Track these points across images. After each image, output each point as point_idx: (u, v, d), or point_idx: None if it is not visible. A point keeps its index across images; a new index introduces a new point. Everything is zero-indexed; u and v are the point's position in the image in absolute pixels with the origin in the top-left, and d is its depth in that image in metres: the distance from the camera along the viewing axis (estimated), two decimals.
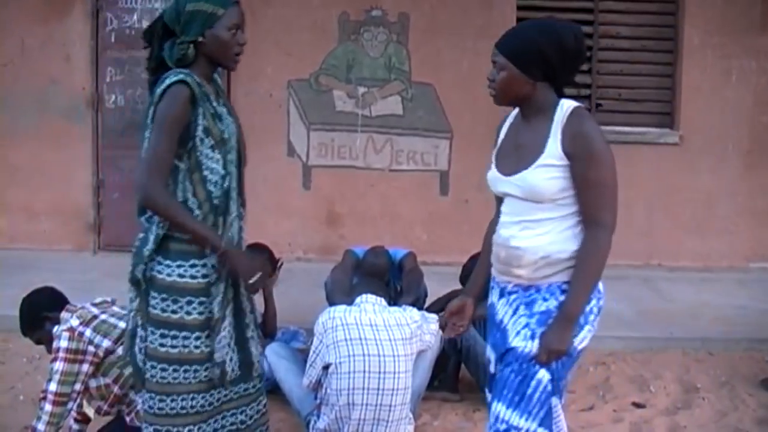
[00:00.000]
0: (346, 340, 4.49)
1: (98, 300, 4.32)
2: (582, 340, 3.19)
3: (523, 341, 3.14)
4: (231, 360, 3.56)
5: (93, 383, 4.07)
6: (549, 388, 3.13)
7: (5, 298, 6.20)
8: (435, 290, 5.97)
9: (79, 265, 8.43)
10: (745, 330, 6.80)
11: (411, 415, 4.71)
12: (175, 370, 3.46)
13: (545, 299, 3.16)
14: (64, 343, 3.99)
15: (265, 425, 3.79)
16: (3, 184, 9.05)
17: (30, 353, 5.87)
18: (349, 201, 8.93)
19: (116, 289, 6.91)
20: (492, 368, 3.35)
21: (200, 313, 3.46)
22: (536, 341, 3.10)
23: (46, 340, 4.23)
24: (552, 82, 3.21)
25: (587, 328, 3.19)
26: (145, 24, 8.77)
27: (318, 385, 4.61)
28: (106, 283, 7.55)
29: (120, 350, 4.02)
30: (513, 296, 3.25)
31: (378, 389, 4.43)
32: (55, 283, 4.57)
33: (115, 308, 4.27)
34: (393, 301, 5.36)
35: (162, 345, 3.44)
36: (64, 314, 4.13)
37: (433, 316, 4.96)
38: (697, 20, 8.82)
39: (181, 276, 3.45)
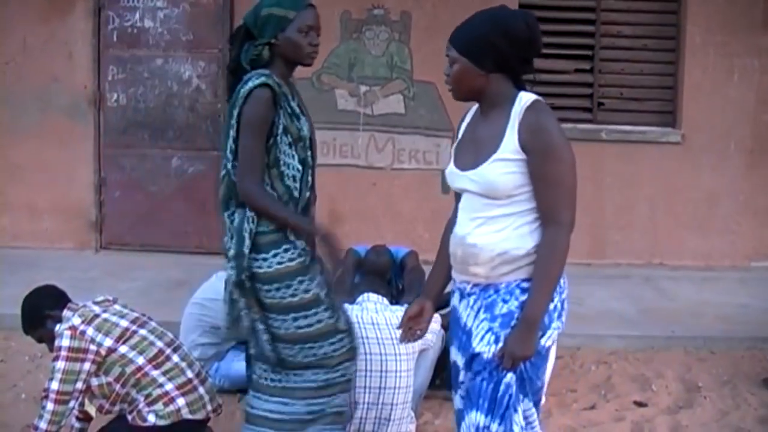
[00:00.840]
0: None
1: (100, 298, 4.32)
2: (548, 338, 3.15)
3: (487, 346, 3.09)
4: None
5: (95, 382, 4.07)
6: (514, 389, 3.10)
7: (7, 296, 6.20)
8: None
9: (81, 264, 8.43)
10: (747, 329, 6.80)
11: (413, 414, 4.72)
12: (321, 346, 3.84)
13: (505, 300, 3.11)
14: (65, 342, 3.99)
15: None
16: (5, 183, 9.05)
17: (32, 351, 5.87)
18: (351, 200, 8.93)
19: (117, 288, 6.98)
20: (462, 376, 3.29)
21: (316, 288, 3.82)
22: (500, 345, 3.06)
23: (47, 338, 4.23)
24: (507, 72, 3.15)
25: (554, 325, 3.15)
26: (147, 23, 8.89)
27: None
28: (108, 282, 7.59)
29: (121, 349, 4.04)
30: (472, 298, 3.19)
31: (380, 388, 4.43)
32: (56, 281, 4.57)
33: (117, 306, 4.27)
34: (395, 300, 5.37)
35: (299, 327, 3.79)
36: (65, 313, 4.13)
37: (436, 315, 4.96)
38: (699, 19, 8.81)
39: (279, 263, 3.75)
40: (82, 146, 9.01)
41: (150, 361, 4.09)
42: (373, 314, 4.63)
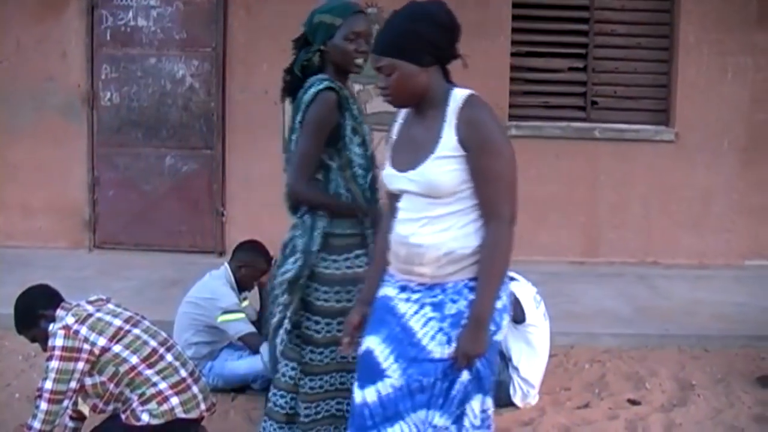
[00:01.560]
0: None
1: (93, 298, 4.31)
2: (502, 333, 3.16)
3: (439, 346, 3.05)
4: None
5: (88, 381, 4.06)
6: (469, 387, 3.09)
7: (1, 295, 6.19)
8: None
9: (75, 263, 8.43)
10: (741, 327, 6.80)
11: None
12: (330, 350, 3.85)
13: (454, 300, 3.06)
14: (59, 341, 3.98)
15: None
16: None
17: (25, 351, 5.86)
18: None
19: (111, 287, 6.97)
20: (387, 367, 3.14)
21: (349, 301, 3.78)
22: (453, 345, 3.04)
23: (41, 338, 4.22)
24: (442, 63, 3.13)
25: (504, 323, 3.15)
26: (140, 21, 8.88)
27: None
28: (101, 281, 7.58)
29: (114, 348, 4.03)
30: (417, 295, 3.13)
31: None
32: (50, 280, 4.56)
33: (110, 306, 4.27)
34: None
35: (339, 331, 3.69)
36: (59, 312, 4.13)
37: None
38: (693, 17, 8.82)
39: (348, 267, 3.81)
40: (76, 145, 9.00)
41: (143, 360, 4.09)
42: None
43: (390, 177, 3.19)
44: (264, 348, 5.11)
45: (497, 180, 3.02)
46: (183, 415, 4.09)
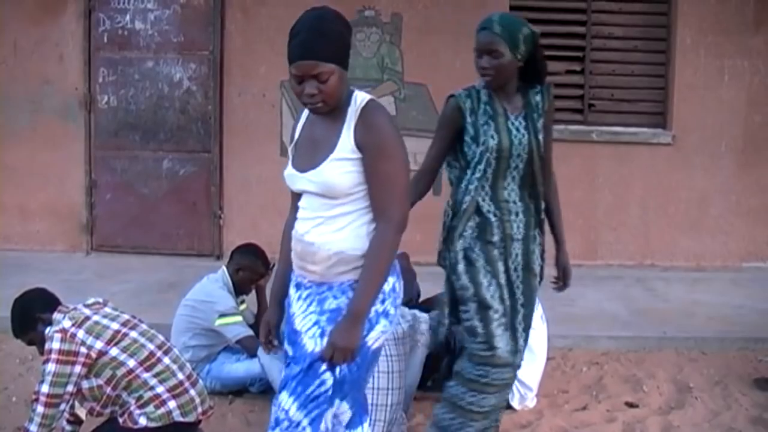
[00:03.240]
0: None
1: (90, 301, 4.30)
2: (375, 339, 3.17)
3: (311, 339, 3.11)
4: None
5: (85, 384, 4.06)
6: (330, 392, 3.11)
7: None
8: (429, 290, 5.97)
9: (72, 266, 8.42)
10: (739, 329, 6.81)
11: (404, 415, 4.71)
12: (481, 342, 4.07)
13: (336, 297, 3.15)
14: (56, 345, 3.98)
15: None
16: None
17: (23, 354, 5.86)
18: None
19: (108, 290, 6.96)
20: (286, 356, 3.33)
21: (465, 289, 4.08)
22: (325, 339, 3.08)
23: (38, 341, 4.22)
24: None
25: (380, 327, 3.17)
26: (138, 24, 8.87)
27: None
28: (99, 284, 7.58)
29: (112, 351, 4.03)
30: (307, 291, 3.23)
31: (371, 388, 4.42)
32: (47, 283, 4.56)
33: (107, 309, 4.26)
34: None
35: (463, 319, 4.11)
36: (56, 315, 4.12)
37: (425, 316, 4.96)
38: (690, 20, 8.83)
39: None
40: (74, 148, 9.00)
41: (141, 363, 4.08)
42: None
43: (291, 177, 3.26)
44: (261, 350, 5.11)
45: (389, 183, 3.07)
46: (180, 419, 4.08)
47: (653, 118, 9.10)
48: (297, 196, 3.32)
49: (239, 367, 5.38)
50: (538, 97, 4.15)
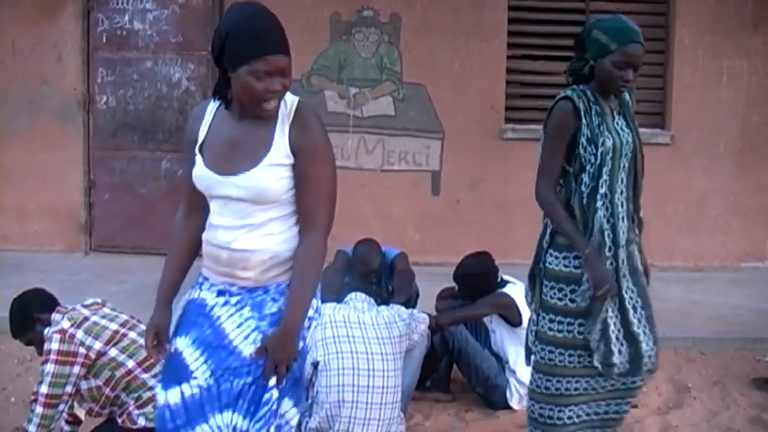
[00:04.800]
0: (333, 337, 4.51)
1: (89, 301, 4.31)
2: (305, 339, 3.13)
3: (252, 345, 3.00)
4: (620, 353, 3.88)
5: (84, 385, 4.06)
6: (275, 407, 3.02)
7: None
8: (427, 290, 5.98)
9: (70, 266, 8.42)
10: (737, 330, 6.81)
11: (402, 415, 4.71)
12: (561, 354, 3.90)
13: (275, 300, 3.05)
14: (55, 345, 3.98)
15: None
16: None
17: (21, 355, 5.86)
18: (341, 201, 8.78)
19: (107, 290, 6.96)
20: (196, 368, 3.07)
21: (582, 301, 3.83)
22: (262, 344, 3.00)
23: (36, 341, 4.22)
24: None
25: (310, 331, 3.14)
26: (136, 25, 8.88)
27: (309, 384, 4.61)
28: (97, 284, 7.58)
29: (110, 352, 4.03)
30: (236, 298, 3.07)
31: (368, 387, 4.43)
32: (46, 284, 4.56)
33: (106, 309, 4.27)
34: (385, 302, 5.36)
35: (550, 329, 3.91)
36: (54, 316, 4.12)
37: (423, 316, 4.97)
38: (688, 20, 8.84)
39: (565, 266, 3.89)
40: (72, 148, 8.99)
41: (140, 364, 4.09)
42: (360, 314, 4.64)
43: (207, 179, 3.04)
44: None
45: (320, 188, 3.00)
46: None
47: (652, 118, 9.09)
48: (196, 196, 3.16)
49: None
50: (627, 96, 4.05)
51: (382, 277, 5.92)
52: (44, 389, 3.96)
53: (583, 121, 3.84)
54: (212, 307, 3.09)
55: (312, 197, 2.99)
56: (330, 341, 4.49)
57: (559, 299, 3.89)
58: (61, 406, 4.02)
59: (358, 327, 4.56)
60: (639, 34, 3.86)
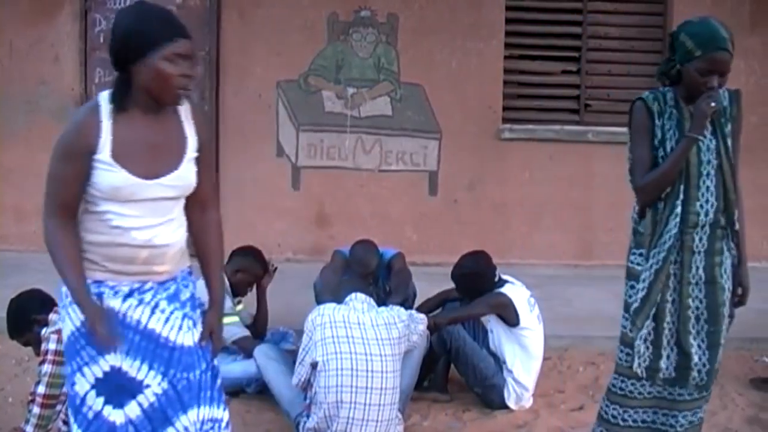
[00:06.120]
0: (333, 337, 4.50)
1: None
2: None
3: (189, 333, 3.09)
4: (668, 358, 3.90)
5: None
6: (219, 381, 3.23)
7: None
8: (424, 290, 5.98)
9: None
10: (735, 329, 6.69)
11: (400, 416, 4.71)
12: (620, 350, 4.02)
13: (185, 286, 3.19)
14: (52, 346, 3.98)
15: None
16: None
17: (19, 355, 5.85)
18: (339, 202, 8.93)
19: None
20: (145, 376, 3.03)
21: (630, 297, 4.01)
22: (199, 326, 3.16)
23: (34, 342, 4.23)
24: None
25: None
26: None
27: (307, 384, 4.61)
28: None
29: None
30: (148, 294, 3.05)
31: (366, 388, 4.43)
32: (44, 285, 4.56)
33: None
34: (382, 302, 5.36)
35: (623, 326, 4.06)
36: (52, 316, 4.12)
37: (422, 317, 4.97)
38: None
39: (631, 262, 4.14)
40: None
41: None
42: (359, 314, 4.64)
43: (132, 187, 2.94)
44: (257, 351, 5.11)
45: (212, 171, 3.35)
46: None
47: None
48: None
49: (235, 368, 5.37)
50: (725, 102, 4.04)
51: (379, 278, 5.93)
52: (41, 389, 3.96)
53: (656, 122, 3.92)
54: (125, 314, 3.03)
55: (209, 181, 3.23)
56: (329, 342, 4.49)
57: (625, 293, 4.09)
58: (59, 407, 4.02)
59: (357, 328, 4.56)
60: (726, 41, 3.82)
